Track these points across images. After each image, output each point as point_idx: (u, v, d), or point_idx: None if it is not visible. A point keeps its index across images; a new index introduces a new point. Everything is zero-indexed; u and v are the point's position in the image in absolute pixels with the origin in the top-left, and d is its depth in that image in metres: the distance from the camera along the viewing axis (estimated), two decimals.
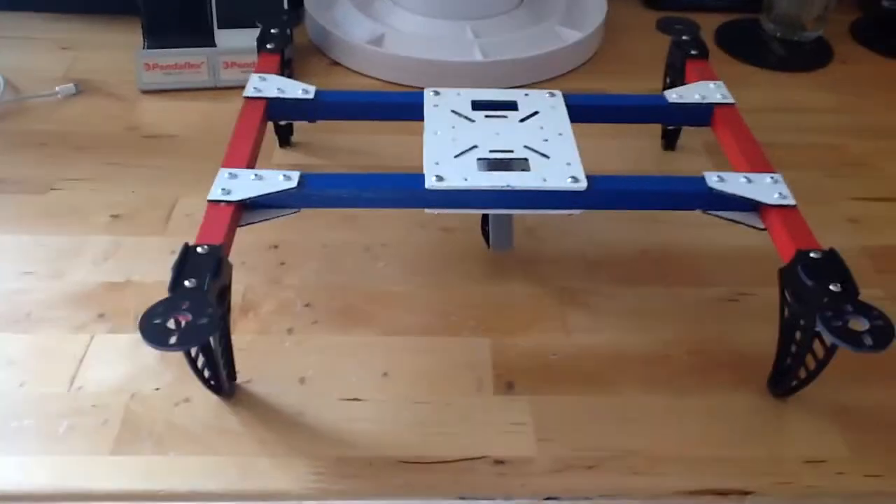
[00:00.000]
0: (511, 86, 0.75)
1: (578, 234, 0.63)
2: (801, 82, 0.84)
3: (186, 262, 0.45)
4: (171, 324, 0.42)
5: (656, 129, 0.73)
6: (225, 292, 0.46)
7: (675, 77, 0.68)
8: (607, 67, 0.84)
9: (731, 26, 0.92)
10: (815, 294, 0.45)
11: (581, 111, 0.59)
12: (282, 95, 0.59)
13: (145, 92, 0.76)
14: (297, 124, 0.70)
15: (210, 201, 0.49)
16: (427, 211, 0.52)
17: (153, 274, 0.58)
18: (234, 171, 0.51)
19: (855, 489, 0.47)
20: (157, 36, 0.77)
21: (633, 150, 0.72)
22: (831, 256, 0.47)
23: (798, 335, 0.47)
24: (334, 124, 0.66)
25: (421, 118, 0.57)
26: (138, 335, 0.52)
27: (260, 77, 0.60)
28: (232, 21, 0.77)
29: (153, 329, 0.41)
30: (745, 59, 0.87)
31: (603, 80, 0.82)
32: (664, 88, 0.71)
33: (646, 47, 0.86)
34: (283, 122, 0.68)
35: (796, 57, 0.88)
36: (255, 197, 0.50)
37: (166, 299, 0.42)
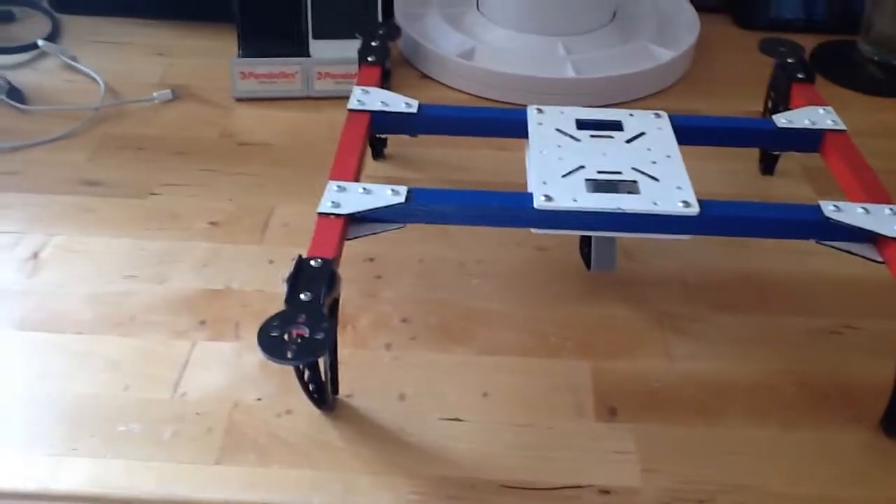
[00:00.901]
0: (602, 104, 0.74)
1: (677, 257, 0.62)
2: None
3: (301, 274, 0.44)
4: (286, 336, 0.41)
5: (753, 152, 0.71)
6: (336, 306, 0.46)
7: (779, 100, 0.66)
8: (700, 87, 0.83)
9: (826, 48, 0.90)
10: None
11: (686, 132, 0.58)
12: (385, 109, 0.59)
13: (239, 100, 0.77)
14: (391, 137, 0.70)
15: (320, 214, 0.49)
16: (534, 231, 0.51)
17: (252, 282, 0.58)
18: (342, 183, 0.51)
19: None
20: (252, 44, 0.78)
21: (731, 174, 0.70)
22: None
23: None
24: (426, 138, 0.66)
25: (524, 135, 0.57)
26: (239, 343, 0.54)
27: (363, 90, 0.60)
28: (327, 31, 0.77)
29: (270, 342, 0.41)
30: (839, 82, 0.85)
31: (696, 101, 0.80)
32: (765, 111, 0.70)
33: (739, 67, 0.84)
34: (380, 136, 0.68)
35: (894, 80, 0.85)
36: (364, 211, 0.50)
37: (282, 312, 0.42)
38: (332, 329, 0.42)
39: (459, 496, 0.46)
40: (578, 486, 0.46)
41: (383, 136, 0.68)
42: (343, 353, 0.53)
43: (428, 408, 0.50)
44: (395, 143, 0.70)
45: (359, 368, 0.53)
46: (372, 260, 0.61)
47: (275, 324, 0.42)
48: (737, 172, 0.71)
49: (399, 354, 0.54)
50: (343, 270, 0.59)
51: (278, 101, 0.76)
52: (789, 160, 0.71)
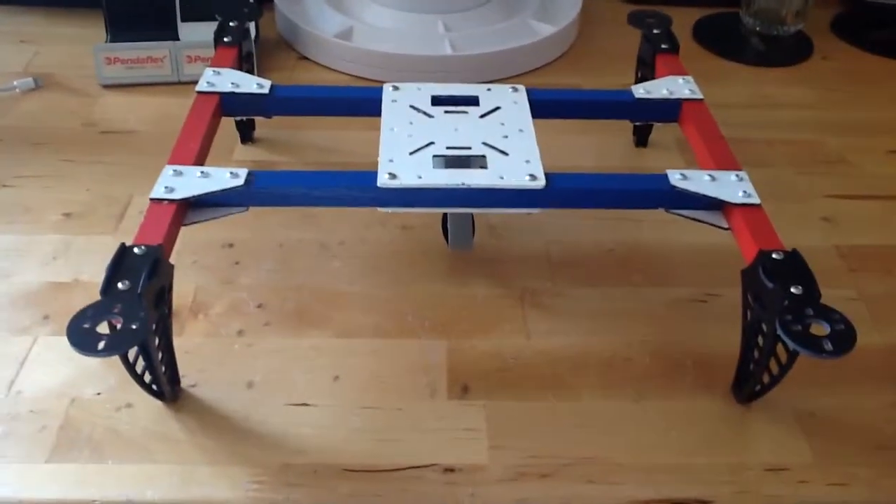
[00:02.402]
0: (482, 81, 0.74)
1: (543, 232, 0.61)
2: (781, 78, 0.83)
3: (121, 263, 0.43)
4: (103, 328, 0.40)
5: (628, 125, 0.71)
6: (163, 294, 0.44)
7: (646, 72, 0.66)
8: (582, 62, 0.83)
9: (709, 21, 0.90)
10: (776, 297, 0.43)
11: (546, 107, 0.57)
12: (236, 90, 0.57)
13: (106, 87, 0.74)
14: (259, 120, 0.68)
15: (152, 199, 0.48)
16: (381, 210, 0.50)
17: (102, 274, 0.55)
18: (179, 168, 0.50)
19: (818, 499, 0.45)
20: (120, 29, 0.75)
21: (603, 147, 0.70)
22: (794, 257, 0.46)
23: (760, 339, 0.46)
24: (300, 120, 0.65)
25: (379, 114, 0.56)
26: None
27: (214, 71, 0.59)
28: (196, 14, 0.75)
29: (80, 333, 0.39)
30: (723, 55, 0.85)
31: (577, 76, 0.80)
32: (636, 82, 0.69)
33: (622, 42, 0.83)
34: (244, 119, 0.66)
35: (776, 52, 0.86)
36: (200, 195, 0.48)
37: (97, 302, 0.41)
38: (149, 319, 0.40)
39: (300, 482, 0.45)
40: (423, 466, 0.46)
41: (237, 118, 0.66)
42: (192, 341, 0.52)
43: (276, 394, 0.49)
44: (267, 126, 0.68)
45: (208, 357, 0.51)
46: (231, 245, 0.59)
47: (88, 314, 0.40)
48: (611, 146, 0.71)
49: (251, 341, 0.52)
50: (200, 257, 0.58)
51: (147, 87, 0.74)
52: (663, 132, 0.71)
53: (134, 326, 0.39)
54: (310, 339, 0.53)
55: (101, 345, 0.39)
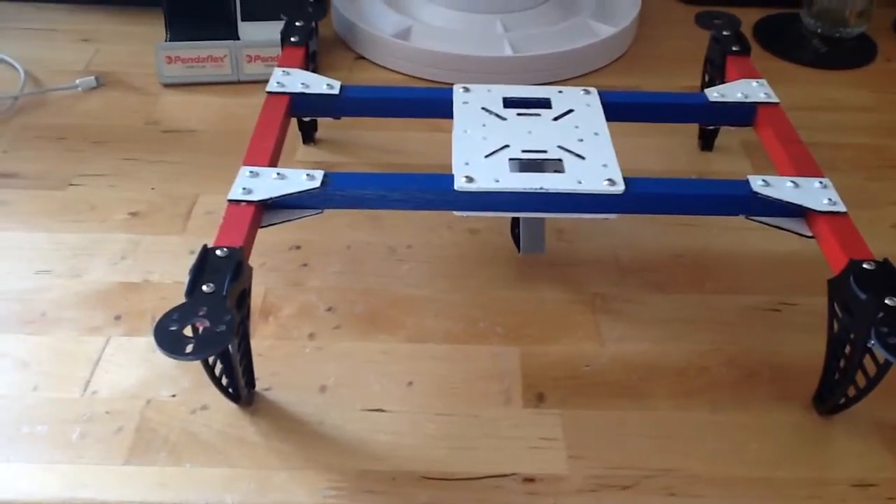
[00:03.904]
0: (541, 82, 0.73)
1: (611, 236, 0.60)
2: (843, 80, 0.81)
3: (204, 265, 0.43)
4: (187, 331, 0.40)
5: (692, 128, 0.70)
6: (245, 297, 0.44)
7: (715, 74, 0.65)
8: (641, 63, 0.81)
9: (769, 21, 0.89)
10: (870, 308, 0.42)
11: (617, 109, 0.56)
12: (306, 91, 0.57)
13: (167, 86, 0.74)
14: (321, 121, 0.68)
15: (230, 201, 0.47)
16: (456, 213, 0.50)
17: (171, 274, 0.56)
18: (255, 169, 0.49)
19: None
20: (180, 28, 0.75)
21: (669, 151, 0.69)
22: (886, 268, 0.44)
23: (848, 350, 0.45)
24: (361, 121, 0.64)
25: (450, 116, 0.55)
26: None
27: (283, 71, 0.58)
28: (256, 13, 0.75)
29: (168, 337, 0.39)
30: (783, 56, 0.84)
31: (637, 77, 0.79)
32: (703, 86, 0.68)
33: (681, 43, 0.83)
34: (307, 119, 0.66)
35: (837, 54, 0.84)
36: (278, 197, 0.48)
37: (182, 305, 0.40)
38: (235, 321, 0.40)
39: (378, 489, 0.44)
40: (502, 476, 0.45)
41: (306, 118, 0.65)
42: (263, 344, 0.51)
43: (350, 399, 0.49)
44: (329, 127, 0.68)
45: (280, 360, 0.51)
46: (298, 248, 0.59)
47: (174, 317, 0.40)
48: (676, 149, 0.70)
49: (322, 344, 0.52)
50: (268, 259, 0.58)
51: (207, 86, 0.74)
52: (729, 136, 0.69)
53: (220, 329, 0.39)
54: (381, 344, 0.52)
55: (189, 348, 0.38)
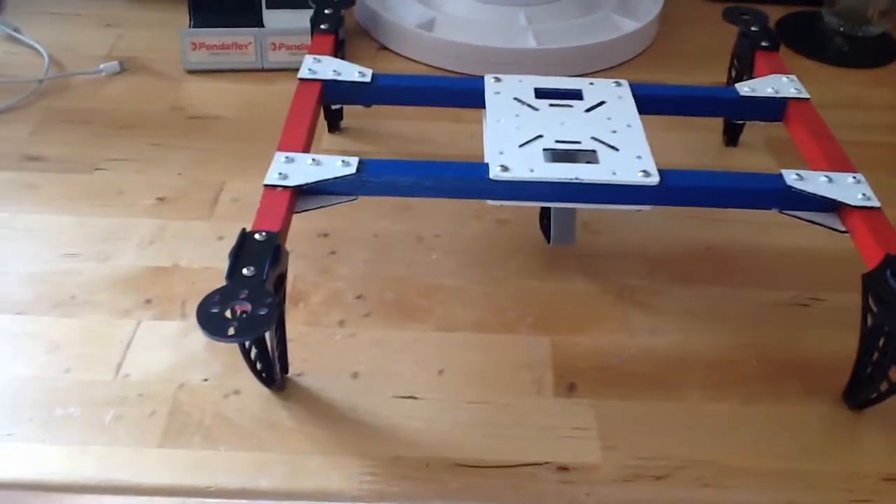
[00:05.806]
0: (565, 75, 0.73)
1: (638, 228, 0.60)
2: (865, 79, 0.81)
3: (244, 249, 0.43)
4: (228, 313, 0.40)
5: (716, 123, 0.70)
6: (282, 281, 0.44)
7: (743, 69, 0.65)
8: (664, 59, 0.81)
9: (791, 19, 0.89)
10: None
11: (648, 102, 0.56)
12: (338, 78, 0.57)
13: (190, 72, 0.74)
14: (346, 109, 0.68)
15: (266, 186, 0.47)
16: (489, 202, 0.50)
17: (200, 259, 0.56)
18: (290, 154, 0.49)
19: None
20: (204, 15, 0.75)
21: (693, 145, 0.69)
22: None
23: (881, 344, 0.45)
24: (383, 109, 0.64)
25: (481, 105, 0.55)
26: (185, 322, 0.52)
27: (314, 58, 0.58)
28: (281, 1, 0.75)
29: (211, 319, 0.39)
30: (804, 53, 0.84)
31: (660, 72, 0.79)
32: (729, 80, 0.68)
33: (703, 38, 0.83)
34: (335, 106, 0.66)
35: (859, 52, 0.84)
36: (313, 183, 0.48)
37: (224, 288, 0.40)
38: (275, 305, 0.40)
39: (413, 476, 0.44)
40: (536, 464, 0.45)
41: (336, 106, 0.65)
42: (294, 330, 0.51)
43: (381, 386, 0.49)
44: (352, 115, 0.68)
45: (311, 346, 0.51)
46: (326, 235, 0.59)
47: (215, 300, 0.40)
48: (700, 143, 0.70)
49: (352, 332, 0.52)
50: (296, 246, 0.57)
51: (231, 73, 0.74)
52: (752, 132, 0.69)
53: (262, 312, 0.39)
54: (411, 332, 0.52)
55: (232, 330, 0.38)
